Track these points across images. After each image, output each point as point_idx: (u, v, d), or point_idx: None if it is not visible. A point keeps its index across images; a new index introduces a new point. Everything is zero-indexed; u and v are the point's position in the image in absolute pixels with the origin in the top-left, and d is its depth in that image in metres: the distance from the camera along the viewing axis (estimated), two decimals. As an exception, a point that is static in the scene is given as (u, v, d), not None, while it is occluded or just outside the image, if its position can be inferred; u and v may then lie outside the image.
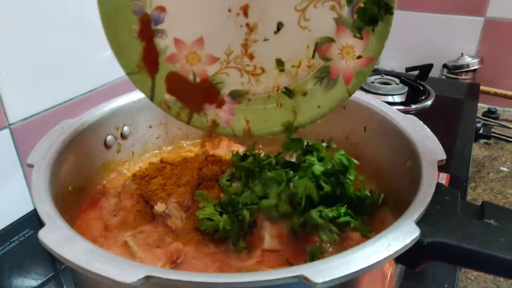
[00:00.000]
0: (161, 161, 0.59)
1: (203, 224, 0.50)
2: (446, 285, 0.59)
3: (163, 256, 0.46)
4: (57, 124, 0.54)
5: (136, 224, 0.52)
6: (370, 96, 0.61)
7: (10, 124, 0.66)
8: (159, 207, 0.51)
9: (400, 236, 0.36)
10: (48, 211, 0.40)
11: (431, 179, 0.43)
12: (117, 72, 0.83)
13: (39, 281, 0.59)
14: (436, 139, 0.50)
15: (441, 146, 0.48)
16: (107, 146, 0.60)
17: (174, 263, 0.47)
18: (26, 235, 0.66)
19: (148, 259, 0.46)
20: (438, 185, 0.42)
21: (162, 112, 0.65)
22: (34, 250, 0.63)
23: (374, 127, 0.59)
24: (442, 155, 0.46)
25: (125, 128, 0.62)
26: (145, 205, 0.53)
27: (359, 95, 0.62)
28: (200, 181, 0.55)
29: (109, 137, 0.60)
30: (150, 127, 0.66)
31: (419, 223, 0.38)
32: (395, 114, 0.56)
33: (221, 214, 0.50)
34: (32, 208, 0.72)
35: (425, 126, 0.52)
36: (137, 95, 0.63)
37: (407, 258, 0.38)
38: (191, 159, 0.57)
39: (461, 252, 0.38)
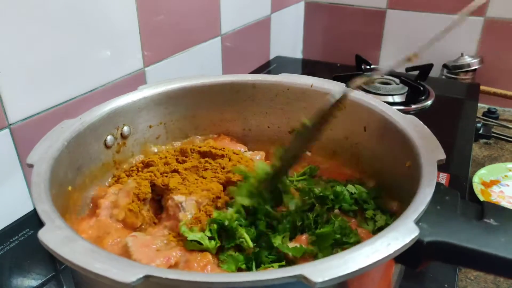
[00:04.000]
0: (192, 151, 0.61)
1: (188, 245, 0.48)
2: (446, 285, 0.59)
3: (159, 260, 0.45)
4: (57, 124, 0.54)
5: (138, 225, 0.52)
6: (370, 96, 0.61)
7: (10, 124, 0.66)
8: (179, 198, 0.52)
9: (400, 235, 0.36)
10: (47, 211, 0.40)
11: (431, 178, 0.43)
12: (117, 72, 0.83)
13: (39, 281, 0.59)
14: (436, 139, 0.50)
15: (440, 146, 0.48)
16: (107, 146, 0.60)
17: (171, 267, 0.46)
18: (26, 235, 0.66)
19: (143, 261, 0.45)
20: (438, 184, 0.42)
21: (162, 112, 0.66)
22: (34, 250, 0.63)
23: (374, 127, 0.59)
24: (442, 155, 0.46)
25: (125, 128, 0.62)
26: (141, 205, 0.53)
27: (359, 95, 0.62)
28: (224, 185, 0.56)
29: (109, 137, 0.60)
30: (150, 127, 0.66)
31: (418, 222, 0.38)
32: (395, 114, 0.56)
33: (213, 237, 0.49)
34: (32, 208, 0.72)
35: (425, 126, 0.52)
36: (137, 95, 0.63)
37: (406, 258, 0.38)
38: (221, 154, 0.59)
39: (461, 252, 0.38)
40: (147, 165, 0.60)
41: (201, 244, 0.48)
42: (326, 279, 0.31)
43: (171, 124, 0.68)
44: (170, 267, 0.45)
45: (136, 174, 0.59)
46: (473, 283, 0.74)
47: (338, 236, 0.47)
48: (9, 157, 0.67)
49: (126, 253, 0.47)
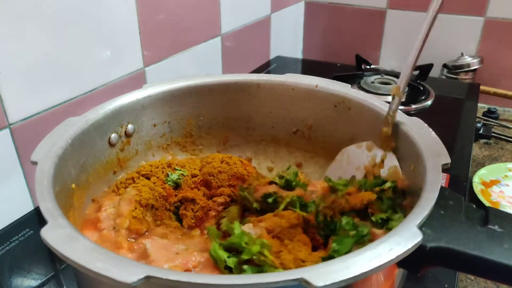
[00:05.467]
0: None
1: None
2: (446, 285, 0.59)
3: (178, 261, 0.44)
4: (60, 122, 0.53)
5: (144, 231, 0.52)
6: (374, 97, 0.61)
7: (10, 124, 0.66)
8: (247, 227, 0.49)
9: (402, 240, 0.35)
10: (50, 209, 0.40)
11: (435, 183, 0.42)
12: (117, 72, 0.83)
13: (39, 281, 0.59)
14: (441, 142, 0.49)
15: (445, 150, 0.47)
16: (111, 144, 0.60)
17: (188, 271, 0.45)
18: (26, 235, 0.66)
19: (161, 262, 0.44)
20: (442, 189, 0.42)
21: (166, 110, 0.66)
22: (34, 250, 0.63)
23: (379, 128, 0.59)
24: (447, 159, 0.46)
25: (129, 126, 0.62)
26: (144, 211, 0.53)
27: (363, 96, 0.61)
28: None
29: (113, 135, 0.60)
30: (155, 125, 0.66)
31: (421, 227, 0.37)
32: (400, 116, 0.55)
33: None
34: (32, 208, 0.72)
35: (430, 129, 0.52)
36: (141, 93, 0.63)
37: (409, 263, 0.37)
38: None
39: (464, 258, 0.38)
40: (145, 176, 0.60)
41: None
42: (327, 283, 0.31)
43: (175, 122, 0.67)
44: (187, 270, 0.44)
45: (134, 183, 0.59)
46: (473, 283, 0.74)
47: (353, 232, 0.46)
48: (9, 157, 0.67)
49: (144, 255, 0.46)
